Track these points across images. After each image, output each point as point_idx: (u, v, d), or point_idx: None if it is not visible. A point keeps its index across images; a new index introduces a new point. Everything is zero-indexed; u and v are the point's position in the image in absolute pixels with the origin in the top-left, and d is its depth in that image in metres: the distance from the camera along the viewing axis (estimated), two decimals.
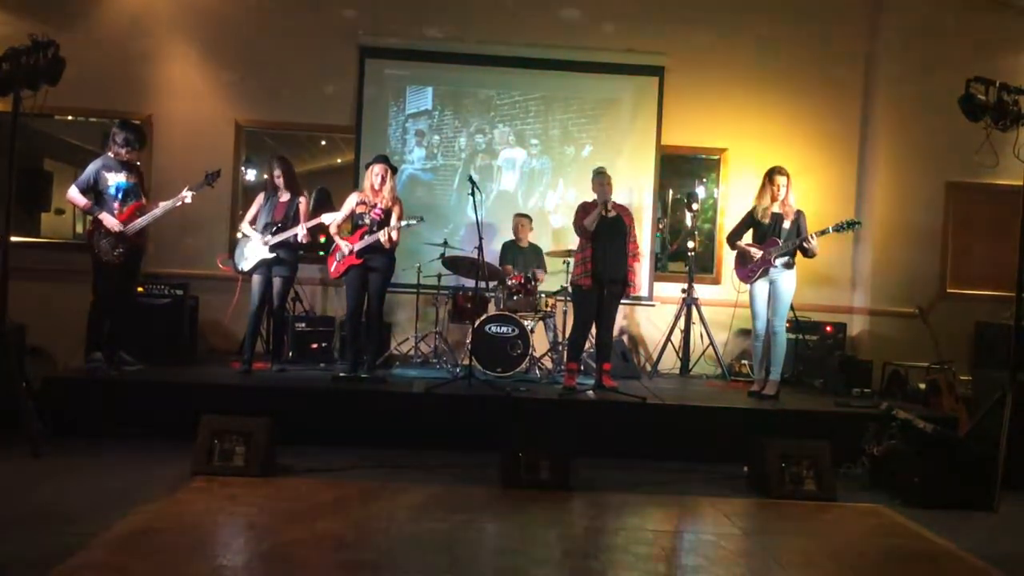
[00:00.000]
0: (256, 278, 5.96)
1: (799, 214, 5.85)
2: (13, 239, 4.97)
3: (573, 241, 6.35)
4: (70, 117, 7.44)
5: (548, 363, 6.67)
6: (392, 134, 7.46)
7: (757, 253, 5.85)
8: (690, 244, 7.32)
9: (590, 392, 5.84)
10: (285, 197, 6.02)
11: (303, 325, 6.71)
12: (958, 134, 5.70)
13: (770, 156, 6.66)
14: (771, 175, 5.86)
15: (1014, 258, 4.87)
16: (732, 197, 7.52)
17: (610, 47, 7.42)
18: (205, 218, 7.05)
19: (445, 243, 6.78)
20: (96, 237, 5.59)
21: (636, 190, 7.45)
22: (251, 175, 7.80)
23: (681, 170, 7.91)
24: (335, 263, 5.89)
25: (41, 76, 4.66)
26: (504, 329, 6.25)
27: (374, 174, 5.87)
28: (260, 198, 6.12)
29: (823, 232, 5.74)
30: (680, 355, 7.18)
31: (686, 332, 7.17)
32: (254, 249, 5.93)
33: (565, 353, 6.21)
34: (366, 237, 5.79)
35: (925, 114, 7.17)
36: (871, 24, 7.56)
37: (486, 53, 7.43)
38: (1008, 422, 4.61)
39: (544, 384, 6.19)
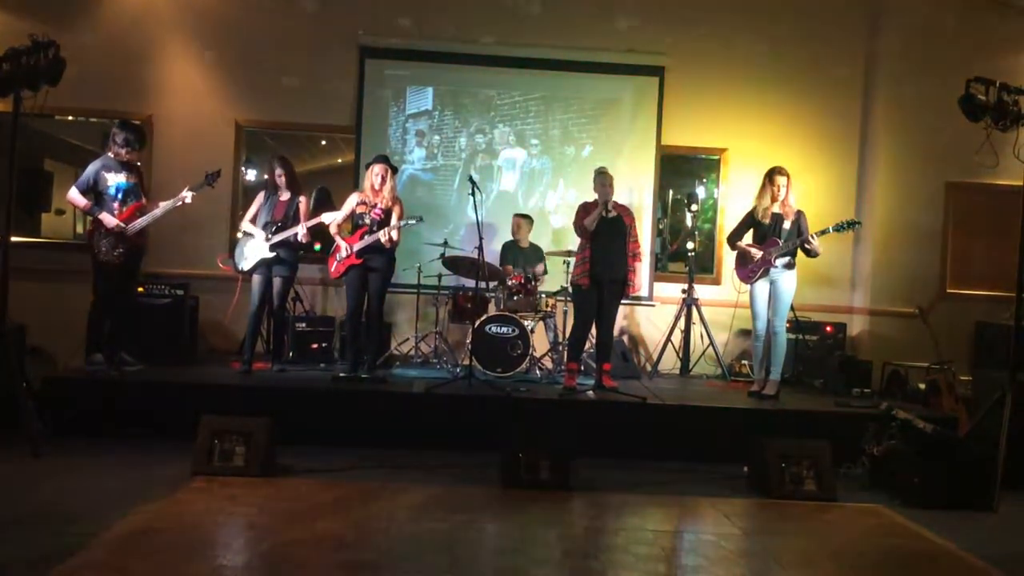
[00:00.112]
0: (256, 278, 5.96)
1: (799, 214, 5.85)
2: (13, 239, 4.97)
3: (573, 241, 6.35)
4: (70, 117, 7.44)
5: (548, 363, 6.67)
6: (392, 134, 7.46)
7: (757, 254, 5.85)
8: (689, 245, 7.32)
9: (590, 392, 5.84)
10: (285, 196, 6.03)
11: (303, 325, 6.70)
12: (958, 134, 5.72)
13: (770, 156, 6.67)
14: (771, 175, 5.86)
15: (1014, 258, 4.88)
16: (732, 197, 7.52)
17: (610, 47, 7.42)
18: (205, 218, 7.05)
19: (445, 243, 6.78)
20: (96, 237, 5.60)
21: (636, 190, 7.45)
22: (251, 175, 7.80)
23: (681, 170, 7.91)
24: (335, 263, 5.89)
25: (41, 76, 4.66)
26: (504, 329, 6.25)
27: (374, 174, 5.87)
28: (260, 197, 6.13)
29: (823, 232, 5.74)
30: (680, 355, 7.18)
31: (686, 332, 7.17)
32: (254, 249, 5.93)
33: (565, 353, 6.21)
34: (366, 237, 5.79)
35: (925, 114, 7.17)
36: (871, 24, 7.56)
37: (486, 53, 7.43)
38: (1008, 422, 4.61)
39: (544, 384, 6.19)
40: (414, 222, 5.85)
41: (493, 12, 7.46)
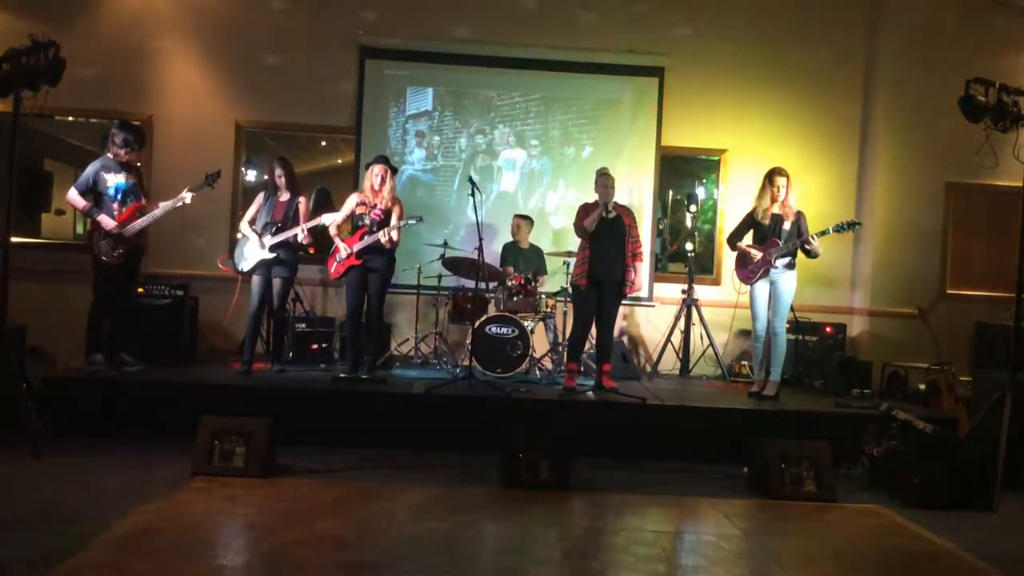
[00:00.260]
0: (256, 278, 5.96)
1: (799, 215, 5.85)
2: (13, 240, 4.97)
3: (573, 242, 6.35)
4: (70, 118, 7.45)
5: (548, 364, 6.67)
6: (392, 135, 7.46)
7: (757, 254, 5.85)
8: (688, 245, 7.32)
9: (590, 393, 5.84)
10: (285, 197, 6.02)
11: (303, 326, 6.70)
12: (958, 135, 5.72)
13: (770, 157, 6.67)
14: (771, 176, 5.85)
15: (1014, 258, 4.88)
16: (732, 198, 7.52)
17: (610, 48, 7.42)
18: (205, 218, 7.05)
19: (445, 244, 6.78)
20: (96, 238, 5.60)
21: (636, 191, 7.45)
22: (251, 176, 7.80)
23: (681, 171, 7.91)
24: (335, 264, 5.89)
25: (41, 76, 4.66)
26: (504, 330, 6.25)
27: (374, 174, 5.87)
28: (260, 198, 6.12)
29: (823, 233, 5.74)
30: (680, 356, 7.18)
31: (686, 333, 7.17)
32: (254, 249, 5.93)
33: (565, 354, 6.22)
34: (366, 238, 5.79)
35: (925, 114, 7.17)
36: (871, 24, 7.56)
37: (486, 54, 7.43)
38: (1008, 422, 4.61)
39: (544, 385, 6.19)
40: (414, 222, 5.85)
41: (493, 13, 7.46)
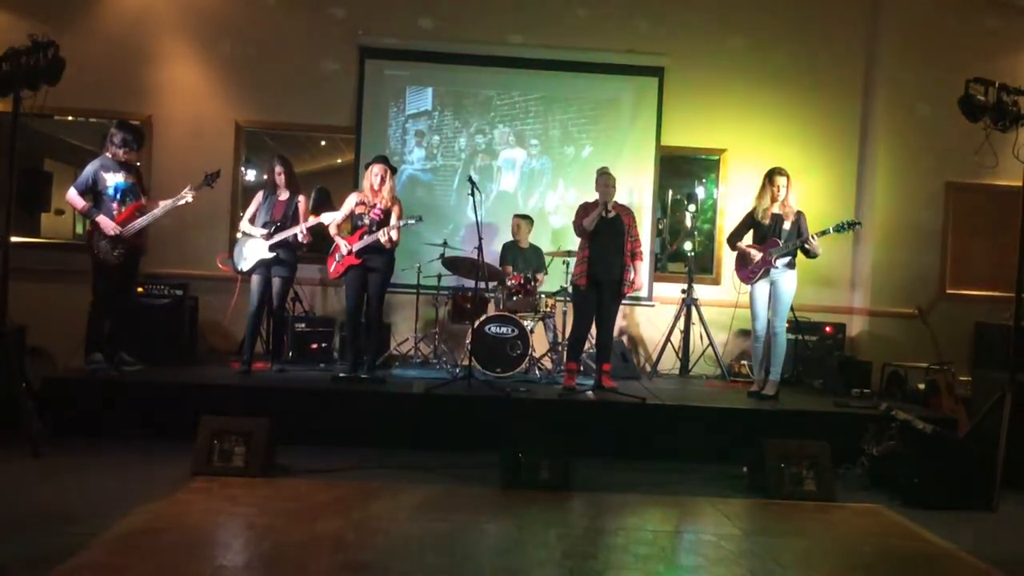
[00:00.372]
0: (255, 278, 5.96)
1: (799, 215, 5.85)
2: (13, 239, 4.97)
3: (573, 242, 6.35)
4: (70, 117, 7.44)
5: (548, 363, 6.67)
6: (392, 134, 7.46)
7: (756, 255, 5.85)
8: (688, 245, 7.32)
9: (590, 392, 5.84)
10: (284, 196, 6.02)
11: (303, 325, 6.71)
12: (958, 134, 5.72)
13: (770, 156, 6.67)
14: (771, 176, 5.85)
15: (1014, 258, 4.88)
16: (732, 198, 7.52)
17: (610, 47, 7.42)
18: (205, 218, 7.05)
19: (445, 244, 6.78)
20: (96, 238, 5.59)
21: (636, 190, 7.45)
22: (251, 175, 7.80)
23: (681, 170, 7.91)
24: (335, 263, 5.89)
25: (41, 76, 4.66)
26: (504, 330, 6.25)
27: (373, 174, 5.87)
28: (259, 196, 6.12)
29: (823, 233, 5.74)
30: (680, 356, 7.18)
31: (686, 333, 7.17)
32: (253, 249, 5.93)
33: (565, 353, 6.22)
34: (365, 237, 5.79)
35: (925, 114, 7.19)
36: (871, 24, 7.56)
37: (486, 54, 7.43)
38: (1007, 422, 4.61)
39: (544, 384, 6.19)
40: (413, 222, 5.85)
41: (493, 13, 7.45)
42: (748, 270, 5.92)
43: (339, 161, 8.32)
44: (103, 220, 5.55)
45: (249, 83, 7.32)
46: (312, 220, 5.87)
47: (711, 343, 7.09)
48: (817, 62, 7.52)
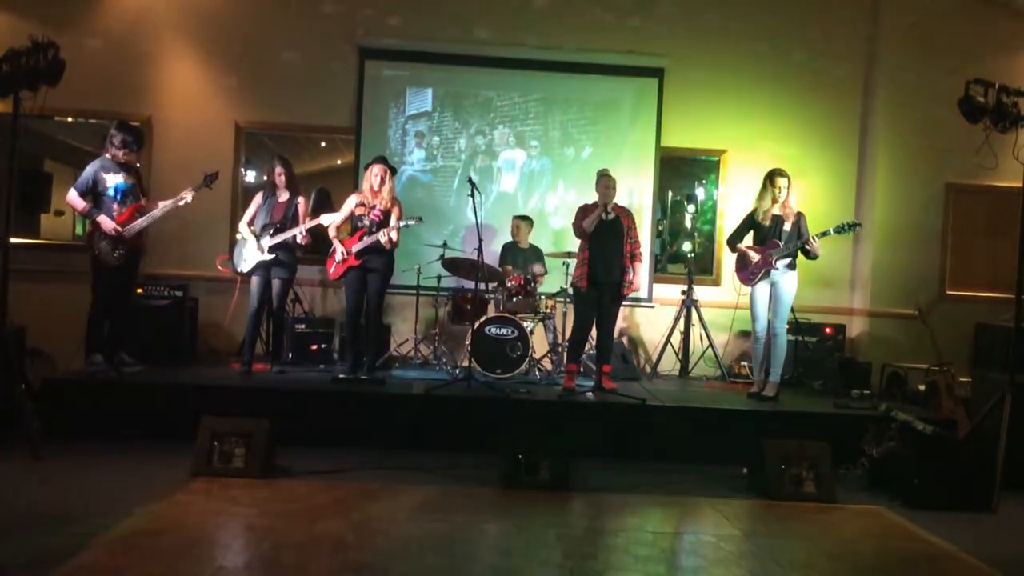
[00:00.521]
0: (255, 279, 5.96)
1: (799, 216, 5.85)
2: (13, 240, 4.96)
3: (573, 243, 6.35)
4: (70, 118, 7.44)
5: (548, 365, 6.67)
6: (392, 135, 7.46)
7: (756, 256, 5.84)
8: (687, 246, 7.32)
9: (589, 394, 5.84)
10: (284, 197, 6.02)
11: (303, 326, 6.70)
12: (958, 135, 5.72)
13: (770, 157, 6.68)
14: (771, 177, 5.85)
15: (1014, 259, 4.88)
16: (732, 199, 7.52)
17: (610, 48, 7.42)
18: (205, 219, 7.05)
19: (445, 244, 6.78)
20: (96, 239, 5.59)
21: (636, 191, 7.45)
22: (251, 176, 7.80)
23: (681, 171, 7.92)
24: (334, 264, 5.89)
25: (41, 77, 4.65)
26: (504, 331, 6.25)
27: (373, 175, 5.87)
28: (258, 198, 6.12)
29: (823, 234, 5.74)
30: (680, 357, 7.18)
31: (685, 334, 7.17)
32: (253, 250, 5.93)
33: (565, 355, 6.22)
34: (365, 238, 5.79)
35: (925, 115, 7.18)
36: (871, 24, 7.56)
37: (486, 55, 7.43)
38: (1007, 423, 4.61)
39: (544, 386, 6.19)
40: (413, 223, 5.85)
41: (493, 13, 7.46)
42: (748, 271, 5.92)
43: (339, 162, 8.32)
44: (103, 220, 5.55)
45: (249, 84, 7.33)
46: (311, 222, 5.87)
47: (711, 344, 7.09)
48: (817, 62, 7.52)
